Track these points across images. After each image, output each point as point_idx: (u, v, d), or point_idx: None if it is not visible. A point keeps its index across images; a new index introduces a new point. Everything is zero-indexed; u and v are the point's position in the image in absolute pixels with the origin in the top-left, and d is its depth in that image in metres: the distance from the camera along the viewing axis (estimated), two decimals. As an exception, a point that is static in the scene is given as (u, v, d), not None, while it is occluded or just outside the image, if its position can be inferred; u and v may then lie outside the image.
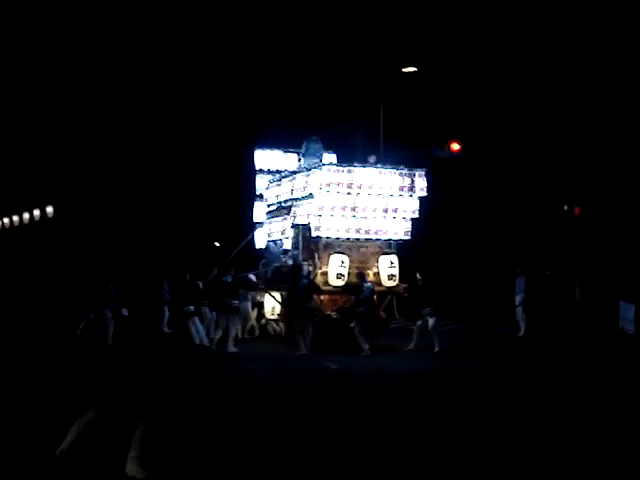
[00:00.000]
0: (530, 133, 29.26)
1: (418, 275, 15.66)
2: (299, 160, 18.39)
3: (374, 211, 16.38)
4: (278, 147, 19.64)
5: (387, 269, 16.12)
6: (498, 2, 29.06)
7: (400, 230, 16.68)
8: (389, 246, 16.65)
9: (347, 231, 16.30)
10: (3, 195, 33.60)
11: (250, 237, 19.54)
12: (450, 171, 27.73)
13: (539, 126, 29.12)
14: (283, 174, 18.16)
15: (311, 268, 16.08)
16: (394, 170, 16.76)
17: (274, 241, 18.29)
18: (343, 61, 28.20)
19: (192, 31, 30.61)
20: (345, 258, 15.82)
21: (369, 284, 15.32)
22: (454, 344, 16.34)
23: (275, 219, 18.27)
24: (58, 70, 31.44)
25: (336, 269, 15.82)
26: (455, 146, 25.80)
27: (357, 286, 15.14)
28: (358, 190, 16.04)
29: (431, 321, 15.10)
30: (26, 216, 32.95)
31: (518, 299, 18.26)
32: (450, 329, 19.57)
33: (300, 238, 17.00)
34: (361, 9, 28.36)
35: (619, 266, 23.63)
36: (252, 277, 16.39)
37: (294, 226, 16.87)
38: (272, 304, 17.43)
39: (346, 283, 15.48)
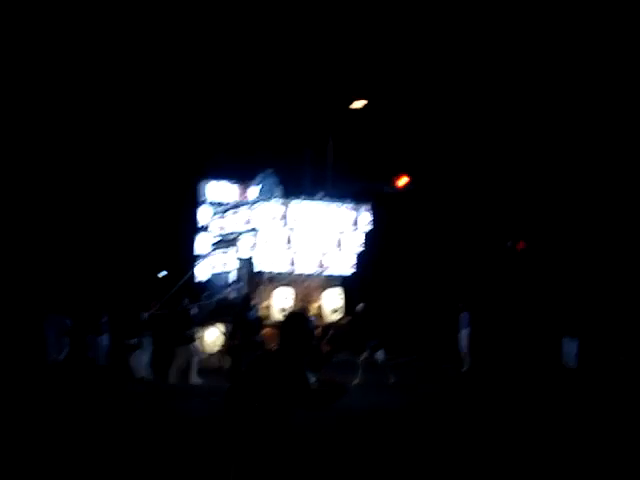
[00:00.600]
0: (478, 168, 29.68)
1: (359, 306, 15.63)
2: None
3: (318, 245, 16.45)
4: (224, 178, 19.49)
5: (331, 303, 16.14)
6: (449, 39, 29.56)
7: (344, 264, 16.73)
8: (333, 280, 16.65)
9: (290, 265, 16.32)
10: None
11: (192, 270, 19.32)
12: (397, 205, 27.95)
13: (486, 161, 29.57)
14: (227, 206, 18.06)
15: (255, 301, 15.99)
16: (339, 204, 16.90)
17: (218, 273, 18.06)
18: (292, 95, 28.28)
19: (139, 57, 30.24)
20: (289, 292, 15.74)
21: (312, 318, 15.22)
22: (402, 378, 16.30)
23: (218, 251, 18.10)
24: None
25: (279, 303, 15.76)
26: (402, 181, 26.05)
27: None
28: (302, 224, 16.06)
29: (380, 354, 15.05)
30: None
31: (463, 333, 18.29)
32: (393, 363, 19.51)
33: (244, 271, 16.90)
34: (312, 44, 28.55)
35: (562, 301, 23.94)
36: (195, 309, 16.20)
37: (239, 259, 16.75)
38: (215, 336, 17.16)
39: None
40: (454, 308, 18.79)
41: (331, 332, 15.64)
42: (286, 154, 25.45)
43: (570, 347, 18.37)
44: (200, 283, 18.90)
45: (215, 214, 18.49)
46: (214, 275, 18.21)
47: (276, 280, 16.32)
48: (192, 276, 19.26)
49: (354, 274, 16.96)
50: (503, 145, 29.21)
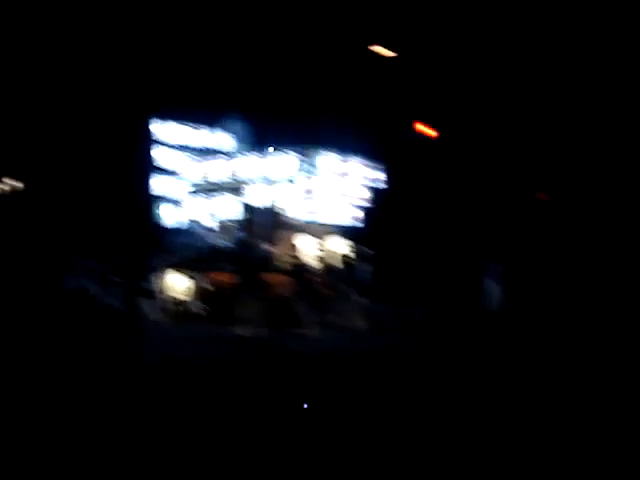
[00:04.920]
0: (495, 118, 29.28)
1: (364, 253, 16.01)
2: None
3: (332, 196, 16.93)
4: (186, 121, 19.06)
5: (336, 250, 16.58)
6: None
7: (353, 215, 17.23)
8: (340, 229, 17.15)
9: (306, 213, 16.77)
10: None
11: (157, 213, 19.05)
12: (415, 155, 27.85)
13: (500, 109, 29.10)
14: (204, 152, 18.36)
15: (267, 247, 16.52)
16: (355, 158, 17.39)
17: (197, 220, 18.18)
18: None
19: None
20: (306, 239, 16.39)
21: (312, 263, 15.81)
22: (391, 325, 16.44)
23: (199, 197, 18.15)
24: None
25: (292, 249, 16.27)
26: (422, 127, 25.95)
27: (301, 266, 15.52)
28: (323, 176, 16.49)
29: (363, 299, 15.51)
30: None
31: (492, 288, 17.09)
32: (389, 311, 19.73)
33: (258, 218, 17.19)
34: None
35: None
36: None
37: (246, 206, 17.10)
38: (187, 284, 17.21)
39: (296, 263, 15.81)
40: (473, 261, 18.46)
41: (333, 277, 16.04)
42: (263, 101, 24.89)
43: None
44: (171, 228, 18.70)
45: (191, 159, 18.44)
46: (192, 222, 18.22)
47: (291, 227, 16.75)
48: (158, 221, 18.99)
49: (364, 224, 17.31)
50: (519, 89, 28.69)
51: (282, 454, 5.94)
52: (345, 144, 17.70)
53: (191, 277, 16.98)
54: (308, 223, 16.77)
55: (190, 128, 19.07)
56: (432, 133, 26.02)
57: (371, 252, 16.23)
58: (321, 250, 16.80)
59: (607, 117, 26.85)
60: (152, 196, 18.90)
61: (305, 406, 7.61)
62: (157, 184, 18.90)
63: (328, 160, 16.51)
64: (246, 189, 16.97)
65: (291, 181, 16.38)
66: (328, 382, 9.48)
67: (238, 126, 18.43)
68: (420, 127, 25.23)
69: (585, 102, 27.48)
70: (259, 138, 18.24)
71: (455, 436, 6.48)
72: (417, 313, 19.98)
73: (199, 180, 18.09)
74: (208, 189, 17.88)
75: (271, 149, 17.34)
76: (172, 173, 18.79)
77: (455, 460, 5.68)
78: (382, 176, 17.52)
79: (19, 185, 26.03)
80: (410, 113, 26.38)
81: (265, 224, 16.85)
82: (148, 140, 18.79)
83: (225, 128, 18.69)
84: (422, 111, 26.53)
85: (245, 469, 5.50)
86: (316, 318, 15.68)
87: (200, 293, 16.85)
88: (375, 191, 17.69)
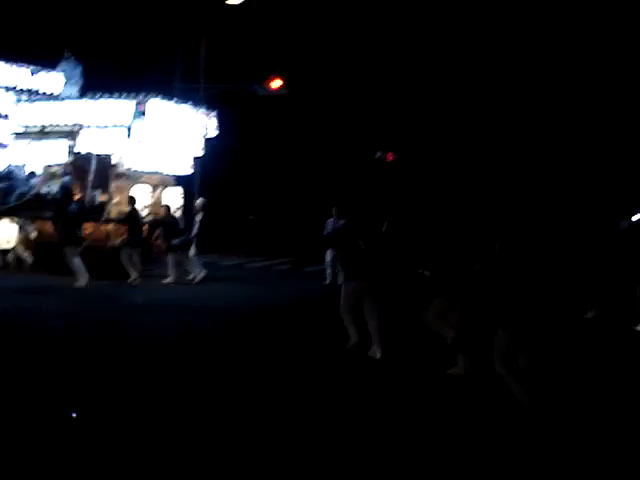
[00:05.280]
0: (349, 74, 29.76)
1: (199, 202, 15.95)
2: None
3: (164, 144, 16.64)
4: (15, 61, 17.99)
5: (171, 201, 16.45)
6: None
7: (188, 165, 17.13)
8: (175, 179, 17.04)
9: (144, 163, 16.45)
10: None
11: None
12: (269, 109, 27.95)
13: (359, 66, 29.62)
14: (32, 94, 17.61)
15: (103, 198, 16.17)
16: (193, 107, 17.18)
17: (21, 166, 17.35)
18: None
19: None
20: (140, 188, 16.14)
21: (141, 213, 15.61)
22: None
23: (22, 142, 17.21)
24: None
25: (124, 198, 15.94)
26: (275, 83, 25.97)
27: (130, 215, 15.26)
28: (157, 123, 16.13)
29: (192, 250, 15.54)
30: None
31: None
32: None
33: (91, 167, 16.65)
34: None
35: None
36: None
37: (77, 153, 16.51)
38: (8, 233, 16.53)
39: (127, 213, 15.48)
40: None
41: (163, 229, 15.82)
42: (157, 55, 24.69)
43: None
44: None
45: (18, 101, 17.50)
46: (15, 167, 17.36)
47: (125, 177, 16.40)
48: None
49: (199, 176, 17.24)
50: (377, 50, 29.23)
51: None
52: (179, 91, 17.48)
53: (16, 224, 16.32)
54: (141, 172, 16.45)
55: (18, 68, 18.09)
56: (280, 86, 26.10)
57: (206, 201, 16.15)
58: (154, 200, 16.58)
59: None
60: None
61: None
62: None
63: (162, 107, 16.17)
64: (77, 135, 16.35)
65: (125, 128, 15.92)
66: (158, 331, 9.61)
67: (71, 69, 17.68)
68: (273, 82, 25.21)
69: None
70: (92, 82, 17.61)
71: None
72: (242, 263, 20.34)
73: (26, 123, 17.24)
74: (36, 133, 17.08)
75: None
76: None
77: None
78: (215, 124, 17.32)
79: None
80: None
81: (96, 172, 16.40)
82: None
83: (57, 70, 17.89)
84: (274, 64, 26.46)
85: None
86: (146, 269, 15.57)
87: (25, 242, 16.25)
88: (210, 140, 17.53)
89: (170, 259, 15.49)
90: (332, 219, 15.60)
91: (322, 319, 10.81)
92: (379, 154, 27.41)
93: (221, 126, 17.64)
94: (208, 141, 17.40)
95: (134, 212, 15.30)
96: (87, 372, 7.40)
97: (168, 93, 18.22)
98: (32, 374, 7.21)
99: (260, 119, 28.91)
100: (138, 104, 15.78)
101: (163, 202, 16.33)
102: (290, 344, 9.41)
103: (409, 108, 29.48)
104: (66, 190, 15.74)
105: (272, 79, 25.79)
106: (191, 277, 15.60)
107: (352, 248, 8.92)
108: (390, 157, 27.95)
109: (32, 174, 16.99)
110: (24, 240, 16.31)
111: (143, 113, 15.72)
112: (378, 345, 8.70)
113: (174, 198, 16.90)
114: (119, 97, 16.04)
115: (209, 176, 22.41)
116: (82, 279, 14.24)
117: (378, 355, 8.65)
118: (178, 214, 16.62)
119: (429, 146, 29.33)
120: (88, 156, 16.46)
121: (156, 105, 16.00)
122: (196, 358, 8.36)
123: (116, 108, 15.97)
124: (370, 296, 8.81)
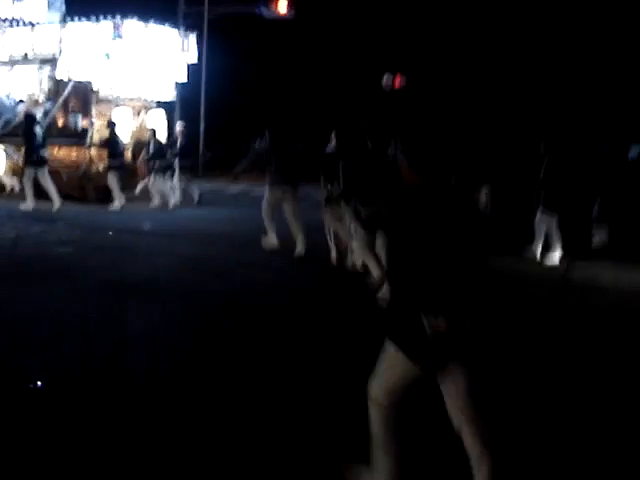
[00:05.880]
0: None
1: (179, 125, 15.86)
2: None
3: (144, 68, 16.52)
4: None
5: (153, 126, 16.36)
6: None
7: (168, 90, 17.05)
8: (157, 104, 16.97)
9: (125, 88, 16.35)
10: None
11: None
12: (275, 34, 27.46)
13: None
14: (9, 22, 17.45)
15: (85, 124, 16.13)
16: (172, 28, 16.94)
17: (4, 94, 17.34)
18: None
19: None
20: (119, 113, 16.06)
21: (126, 139, 15.56)
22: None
23: (9, 68, 17.30)
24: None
25: (106, 124, 15.85)
26: (282, 5, 25.35)
27: (110, 139, 15.20)
28: (134, 45, 15.95)
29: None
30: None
31: None
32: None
33: (69, 91, 16.50)
34: None
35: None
36: None
37: (59, 80, 16.42)
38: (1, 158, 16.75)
39: (109, 139, 15.42)
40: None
41: (150, 153, 15.78)
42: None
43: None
44: None
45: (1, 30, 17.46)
46: (0, 95, 17.33)
47: (107, 102, 16.32)
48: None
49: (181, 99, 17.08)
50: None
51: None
52: (162, 14, 17.20)
53: (3, 151, 16.43)
54: (123, 97, 16.35)
55: None
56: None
57: (184, 125, 16.07)
58: (136, 125, 16.54)
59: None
60: None
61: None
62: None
63: (139, 28, 15.95)
64: (57, 61, 16.26)
65: (105, 54, 15.78)
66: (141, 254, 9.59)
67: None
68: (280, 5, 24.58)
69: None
70: (70, 6, 17.43)
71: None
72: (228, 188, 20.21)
73: (10, 52, 17.21)
74: (19, 60, 17.03)
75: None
76: None
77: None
78: (195, 48, 17.13)
79: None
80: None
81: (77, 98, 16.34)
82: None
83: None
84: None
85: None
86: (131, 193, 15.60)
87: (12, 167, 16.37)
88: (191, 65, 17.35)
89: (154, 183, 15.47)
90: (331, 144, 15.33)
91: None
92: (386, 78, 26.59)
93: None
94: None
95: (114, 136, 15.25)
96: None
97: (171, 18, 17.94)
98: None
99: (266, 45, 28.46)
100: (116, 26, 15.60)
101: (148, 126, 16.28)
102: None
103: (420, 28, 28.70)
104: (53, 116, 15.65)
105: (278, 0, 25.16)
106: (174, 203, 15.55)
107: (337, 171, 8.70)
108: (397, 82, 27.11)
109: (21, 102, 16.96)
110: (11, 167, 16.44)
111: (120, 36, 15.54)
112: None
113: (158, 122, 16.84)
114: (97, 20, 15.89)
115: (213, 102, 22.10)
116: (57, 200, 14.15)
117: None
118: (163, 138, 16.56)
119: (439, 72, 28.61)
120: (68, 82, 16.44)
121: (133, 26, 15.81)
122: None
123: (95, 32, 15.84)
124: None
